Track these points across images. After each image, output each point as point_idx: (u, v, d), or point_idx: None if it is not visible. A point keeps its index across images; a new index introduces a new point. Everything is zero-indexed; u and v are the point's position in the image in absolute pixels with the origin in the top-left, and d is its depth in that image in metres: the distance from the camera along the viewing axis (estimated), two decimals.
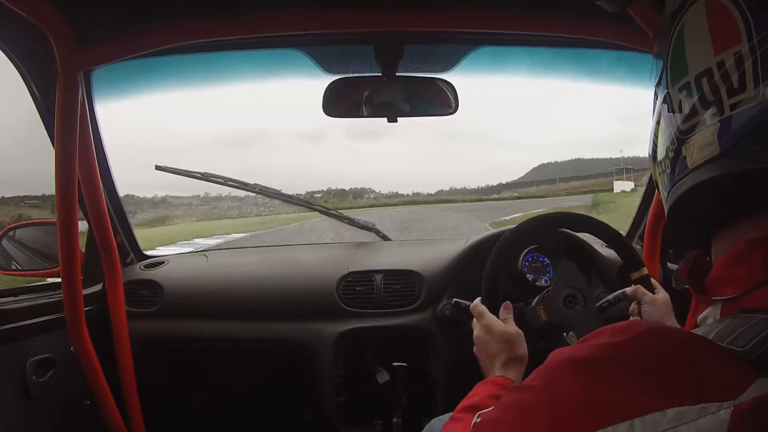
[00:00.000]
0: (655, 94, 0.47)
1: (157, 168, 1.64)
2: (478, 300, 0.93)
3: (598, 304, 1.06)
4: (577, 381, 0.34)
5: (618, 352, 0.34)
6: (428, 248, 1.54)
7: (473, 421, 0.46)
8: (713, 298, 0.39)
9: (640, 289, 0.98)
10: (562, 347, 0.39)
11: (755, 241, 0.37)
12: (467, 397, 0.76)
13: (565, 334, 1.00)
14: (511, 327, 0.87)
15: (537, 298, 1.08)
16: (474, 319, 0.92)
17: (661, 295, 0.97)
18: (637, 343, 0.34)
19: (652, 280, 1.02)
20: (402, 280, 1.38)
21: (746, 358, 0.31)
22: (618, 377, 0.33)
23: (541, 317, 1.03)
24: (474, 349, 0.89)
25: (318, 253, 1.60)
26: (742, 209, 0.39)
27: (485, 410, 0.45)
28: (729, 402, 0.29)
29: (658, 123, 0.46)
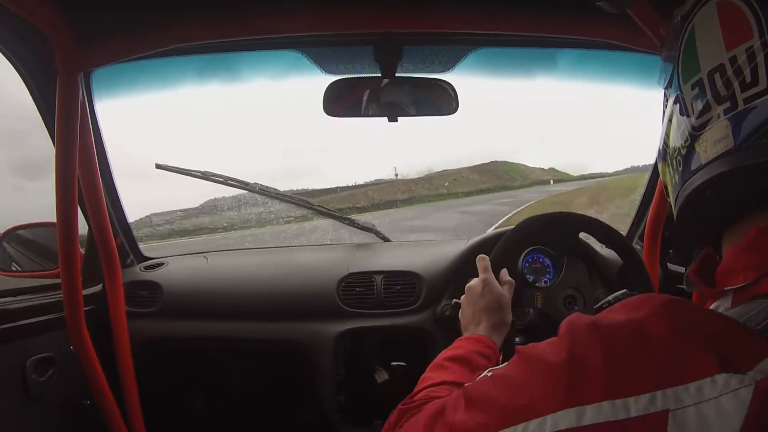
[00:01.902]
0: (665, 96, 0.48)
1: (158, 166, 1.64)
2: (486, 256, 0.93)
3: (597, 305, 1.06)
4: (600, 347, 0.34)
5: (639, 323, 0.34)
6: (428, 249, 1.54)
7: (483, 374, 0.46)
8: (724, 288, 0.39)
9: None
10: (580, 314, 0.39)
11: (766, 228, 0.38)
12: (450, 348, 0.75)
13: None
14: (507, 293, 0.88)
15: (537, 293, 1.08)
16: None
17: None
18: (656, 315, 0.34)
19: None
20: (402, 282, 1.38)
21: (762, 335, 0.32)
22: (639, 348, 0.33)
23: (536, 301, 1.03)
24: (462, 298, 0.89)
25: (318, 255, 1.60)
26: (754, 203, 0.39)
27: (497, 366, 0.45)
28: (750, 378, 0.29)
29: (669, 122, 0.47)
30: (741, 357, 0.30)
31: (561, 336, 0.38)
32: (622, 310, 0.37)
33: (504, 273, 0.92)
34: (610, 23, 0.95)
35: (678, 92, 0.44)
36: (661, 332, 0.33)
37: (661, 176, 0.51)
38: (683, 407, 0.30)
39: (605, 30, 0.97)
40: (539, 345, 0.40)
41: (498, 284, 0.88)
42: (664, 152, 0.49)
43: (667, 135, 0.47)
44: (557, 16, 0.98)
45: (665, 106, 0.48)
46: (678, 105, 0.45)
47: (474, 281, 0.89)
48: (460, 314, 0.88)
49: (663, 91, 0.49)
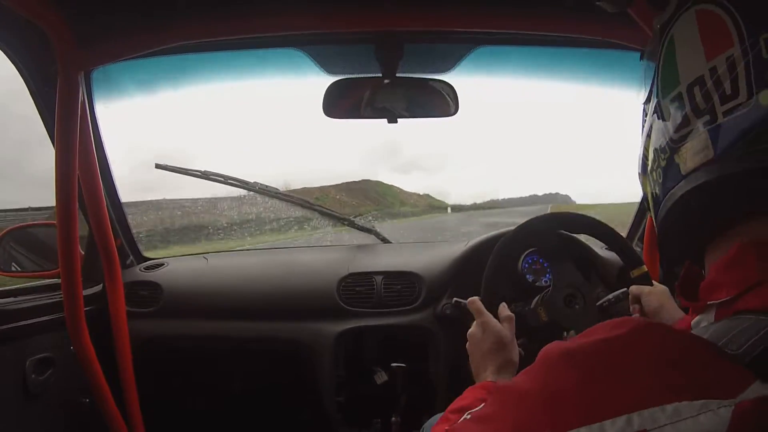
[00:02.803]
0: (644, 112, 0.48)
1: (157, 166, 1.65)
2: (476, 297, 0.91)
3: (598, 303, 1.06)
4: (573, 373, 0.34)
5: (615, 346, 0.34)
6: (428, 250, 1.54)
7: (462, 417, 0.45)
8: (708, 302, 0.39)
9: (640, 287, 0.98)
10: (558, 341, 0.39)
11: (748, 244, 0.38)
12: (458, 399, 0.74)
13: (565, 333, 1.00)
14: (508, 331, 0.86)
15: (536, 299, 1.08)
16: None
17: (660, 286, 0.98)
18: (633, 338, 0.34)
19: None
20: (402, 282, 1.38)
21: (742, 360, 0.31)
22: (615, 371, 0.33)
23: (541, 318, 1.03)
24: (467, 346, 0.87)
25: (318, 255, 1.60)
26: (735, 214, 0.39)
27: (475, 409, 0.45)
28: (730, 400, 0.29)
29: (648, 136, 0.47)
30: (720, 390, 0.30)
31: (535, 366, 0.37)
32: (599, 331, 0.36)
33: (503, 308, 0.90)
34: (610, 23, 0.95)
35: (657, 105, 0.45)
36: (638, 356, 0.33)
37: (642, 189, 0.51)
38: (659, 426, 0.30)
39: (606, 29, 0.98)
40: (515, 379, 0.39)
41: (496, 323, 0.86)
42: (644, 165, 0.48)
43: (646, 148, 0.47)
44: (558, 14, 0.98)
45: (644, 119, 0.48)
46: (657, 118, 0.45)
47: (473, 327, 0.87)
48: (470, 362, 0.86)
49: (642, 105, 0.49)
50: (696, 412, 0.29)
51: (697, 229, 0.42)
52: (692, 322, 0.41)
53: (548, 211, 1.28)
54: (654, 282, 1.01)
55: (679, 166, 0.41)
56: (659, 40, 0.44)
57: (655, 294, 0.95)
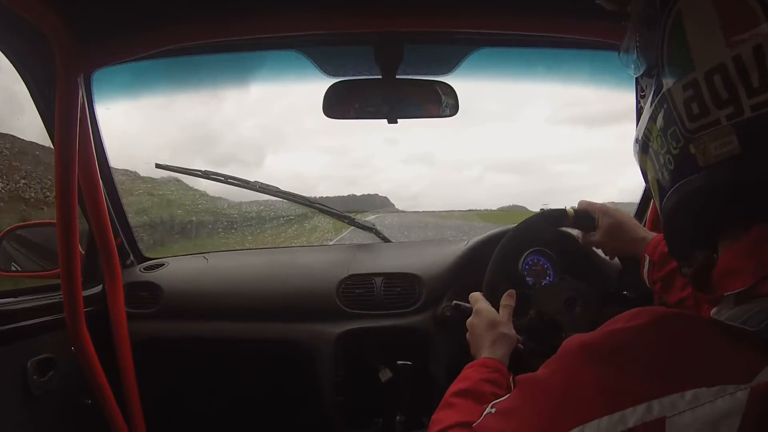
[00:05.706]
0: (640, 86, 0.45)
1: (158, 166, 1.65)
2: (477, 293, 0.97)
3: (599, 308, 1.06)
4: (591, 365, 0.34)
5: (633, 336, 0.34)
6: (429, 249, 1.54)
7: (486, 411, 0.45)
8: (725, 293, 0.37)
9: (585, 236, 1.04)
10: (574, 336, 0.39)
11: (766, 232, 0.37)
12: (457, 380, 0.75)
13: (564, 335, 1.01)
14: (504, 313, 0.91)
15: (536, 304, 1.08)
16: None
17: (604, 222, 1.01)
18: (652, 328, 0.34)
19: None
20: (402, 283, 1.38)
21: (760, 338, 0.32)
22: (634, 361, 0.33)
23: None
24: (467, 336, 0.92)
25: (318, 256, 1.60)
26: (758, 211, 0.37)
27: (499, 399, 0.45)
28: (746, 384, 0.29)
29: (653, 119, 0.43)
30: (737, 372, 0.30)
31: (555, 360, 0.38)
32: (618, 321, 0.36)
33: (505, 296, 0.94)
34: (612, 24, 0.94)
35: (665, 87, 0.41)
36: (656, 345, 0.33)
37: (640, 164, 0.48)
38: (679, 413, 0.30)
39: (607, 31, 0.97)
40: (537, 372, 0.40)
41: (488, 307, 0.92)
42: (645, 145, 0.45)
43: (649, 129, 0.44)
44: (560, 15, 0.98)
45: (641, 95, 0.45)
46: (666, 101, 0.41)
47: (470, 317, 0.93)
48: (471, 348, 0.90)
49: (635, 79, 0.46)
50: (713, 397, 0.30)
51: (713, 219, 0.41)
52: (711, 312, 0.40)
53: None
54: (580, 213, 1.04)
55: (696, 157, 0.38)
56: (658, 17, 0.40)
57: (601, 231, 1.00)
